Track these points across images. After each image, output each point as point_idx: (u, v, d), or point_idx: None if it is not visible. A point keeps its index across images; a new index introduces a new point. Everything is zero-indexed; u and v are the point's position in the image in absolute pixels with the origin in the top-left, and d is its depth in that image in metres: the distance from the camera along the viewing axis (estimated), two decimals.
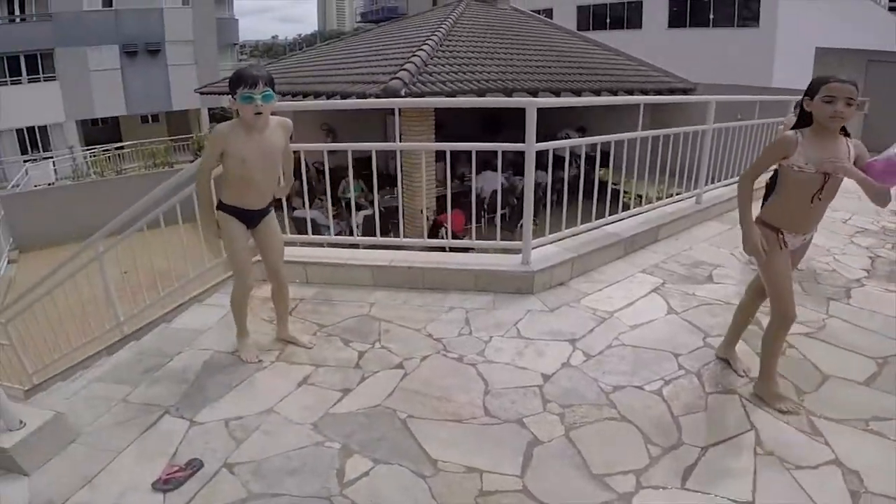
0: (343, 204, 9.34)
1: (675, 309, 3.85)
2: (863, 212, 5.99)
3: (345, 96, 9.19)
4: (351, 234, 5.11)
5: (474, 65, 10.72)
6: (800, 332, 3.49)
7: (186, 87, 23.15)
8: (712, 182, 5.65)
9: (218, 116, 27.12)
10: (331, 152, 4.19)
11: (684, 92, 13.31)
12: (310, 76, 12.42)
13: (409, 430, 2.61)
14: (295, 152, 3.77)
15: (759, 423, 2.71)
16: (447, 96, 8.77)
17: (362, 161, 5.17)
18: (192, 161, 17.64)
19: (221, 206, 3.01)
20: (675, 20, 23.16)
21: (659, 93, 12.69)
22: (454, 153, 4.23)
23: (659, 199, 5.27)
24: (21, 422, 2.36)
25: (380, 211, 6.29)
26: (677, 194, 5.55)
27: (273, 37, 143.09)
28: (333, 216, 6.38)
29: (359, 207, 8.76)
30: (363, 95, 8.70)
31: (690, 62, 17.47)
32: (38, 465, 2.36)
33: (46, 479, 2.29)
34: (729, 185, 5.94)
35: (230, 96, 2.81)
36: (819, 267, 4.56)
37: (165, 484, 2.26)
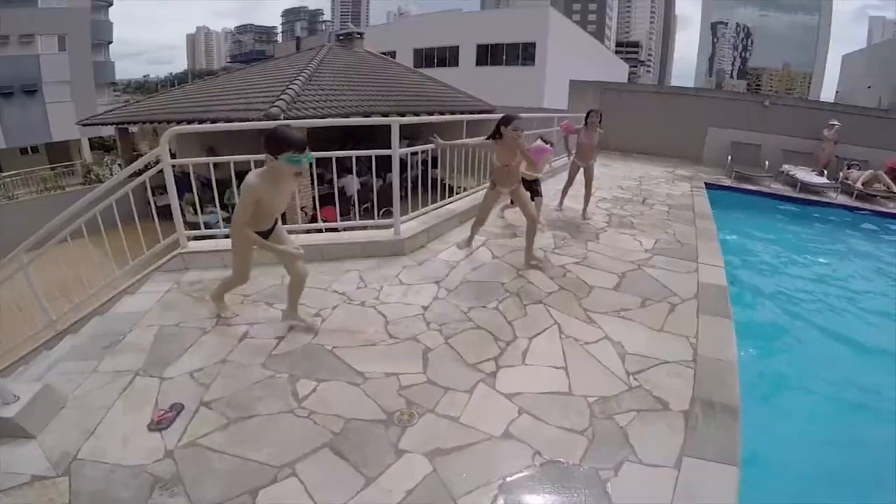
0: (230, 209, 8.64)
1: (497, 255, 4.20)
2: (602, 188, 7.05)
3: (228, 122, 8.56)
4: None
5: (338, 95, 10.43)
6: (573, 262, 4.13)
7: (66, 120, 19.81)
8: None
9: (96, 145, 23.74)
10: (216, 167, 3.82)
11: (488, 112, 14.07)
12: (193, 106, 11.26)
13: (337, 356, 2.64)
14: (183, 167, 3.57)
15: (559, 320, 3.13)
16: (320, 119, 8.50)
17: (244, 174, 4.87)
18: (81, 184, 15.45)
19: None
20: (481, 60, 24.37)
21: (472, 113, 13.34)
22: (318, 164, 4.09)
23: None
24: (15, 395, 2.14)
25: None
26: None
27: (145, 76, 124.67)
28: (225, 219, 6.01)
29: None
30: (246, 120, 8.21)
31: (492, 90, 18.55)
32: (41, 428, 2.14)
33: (52, 439, 2.10)
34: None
35: (269, 154, 2.43)
36: (579, 224, 5.28)
37: (159, 424, 2.17)
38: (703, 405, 2.41)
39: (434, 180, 5.08)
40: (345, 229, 4.35)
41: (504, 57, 23.87)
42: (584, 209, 5.55)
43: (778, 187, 9.12)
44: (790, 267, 5.86)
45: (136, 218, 3.51)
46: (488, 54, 24.27)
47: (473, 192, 5.44)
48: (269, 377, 2.49)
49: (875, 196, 8.73)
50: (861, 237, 7.32)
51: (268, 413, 2.24)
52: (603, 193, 6.82)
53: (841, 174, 9.22)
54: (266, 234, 2.70)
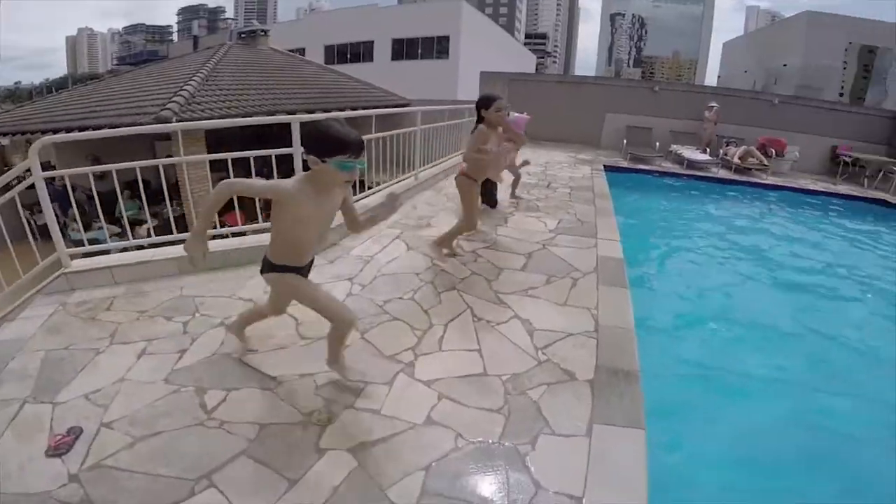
0: (124, 222, 8.00)
1: (412, 247, 4.21)
2: (510, 175, 7.27)
3: (114, 128, 7.86)
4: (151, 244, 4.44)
5: (239, 95, 9.94)
6: (483, 246, 4.26)
7: None
8: (424, 165, 6.22)
9: None
10: (101, 178, 3.46)
11: (403, 106, 14.03)
12: (74, 112, 10.17)
13: (246, 363, 2.53)
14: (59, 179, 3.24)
15: (472, 304, 3.21)
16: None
17: (135, 184, 4.54)
18: None
19: (279, 268, 2.18)
20: (396, 54, 24.24)
21: (385, 108, 13.25)
22: (218, 167, 3.95)
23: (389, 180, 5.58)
24: None
25: (174, 217, 5.69)
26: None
27: (16, 83, 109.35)
28: (118, 234, 5.60)
29: (142, 222, 7.74)
30: (134, 125, 7.58)
31: (407, 84, 18.50)
32: None
33: None
34: (435, 166, 6.59)
35: (314, 156, 1.93)
36: (489, 210, 5.40)
37: (57, 449, 1.99)
38: (606, 373, 2.57)
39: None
40: (252, 233, 4.16)
41: (419, 51, 23.98)
42: (514, 191, 5.84)
43: (668, 166, 9.97)
44: (679, 236, 6.43)
45: (8, 239, 3.17)
46: (404, 49, 24.27)
47: (387, 186, 5.42)
48: (174, 392, 2.35)
49: (750, 169, 9.80)
50: (740, 205, 8.21)
51: (176, 428, 2.13)
52: (510, 180, 7.01)
53: (721, 151, 10.26)
54: (306, 275, 2.25)
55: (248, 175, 5.14)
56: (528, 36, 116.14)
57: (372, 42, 24.74)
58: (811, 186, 9.49)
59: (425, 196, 5.92)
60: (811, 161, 11.18)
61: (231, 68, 11.67)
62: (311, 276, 3.43)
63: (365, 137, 4.33)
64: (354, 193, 4.70)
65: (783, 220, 7.63)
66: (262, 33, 15.48)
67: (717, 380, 3.39)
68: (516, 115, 5.09)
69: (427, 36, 23.67)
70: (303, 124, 2.04)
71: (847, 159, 10.65)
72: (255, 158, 3.88)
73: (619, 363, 2.66)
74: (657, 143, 10.60)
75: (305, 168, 2.03)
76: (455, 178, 3.86)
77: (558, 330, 2.95)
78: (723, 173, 9.63)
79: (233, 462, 1.96)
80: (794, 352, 3.85)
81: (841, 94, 50.87)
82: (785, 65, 51.93)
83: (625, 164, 9.72)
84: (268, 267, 2.20)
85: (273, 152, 3.93)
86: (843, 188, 9.82)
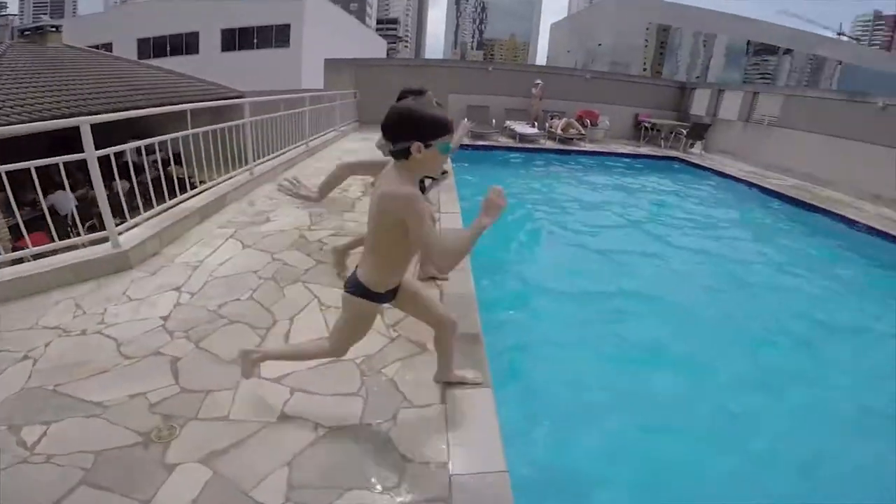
0: None
1: (248, 244, 3.98)
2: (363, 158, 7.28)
3: None
4: None
5: (24, 99, 8.39)
6: (329, 234, 4.20)
7: None
8: (260, 158, 5.85)
9: None
10: None
11: (237, 98, 12.99)
12: None
13: (63, 394, 2.22)
14: None
15: (319, 294, 3.17)
16: None
17: None
18: None
19: (373, 296, 1.86)
20: (228, 45, 22.22)
21: (209, 101, 12.14)
22: (21, 183, 3.32)
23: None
24: None
25: None
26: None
27: None
28: None
29: None
30: None
31: (244, 75, 17.28)
32: None
33: None
34: (272, 158, 6.25)
35: (417, 141, 1.61)
36: (336, 197, 5.22)
37: None
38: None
39: (181, 179, 4.52)
40: (52, 253, 3.52)
41: (255, 40, 22.32)
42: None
43: (504, 140, 10.77)
44: (514, 201, 6.93)
45: None
46: (236, 39, 22.37)
47: (214, 185, 5.00)
48: None
49: (571, 139, 11.04)
50: (564, 169, 9.21)
51: None
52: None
53: (547, 124, 11.34)
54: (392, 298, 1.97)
55: (59, 185, 4.32)
56: (379, 21, 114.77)
57: (197, 33, 22.43)
58: (621, 150, 11.12)
59: (265, 190, 5.63)
60: (620, 128, 12.94)
61: (13, 70, 9.77)
62: (135, 290, 3.17)
63: (181, 134, 3.88)
64: (181, 192, 4.31)
65: (600, 180, 8.76)
66: (52, 29, 13.15)
67: (547, 334, 3.71)
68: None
69: (264, 25, 22.14)
70: (391, 111, 1.62)
71: (647, 125, 12.53)
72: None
73: (464, 328, 2.75)
74: (493, 120, 11.35)
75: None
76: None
77: None
78: (549, 144, 10.74)
79: (72, 494, 1.75)
80: (609, 297, 4.37)
81: (645, 69, 59.01)
82: (600, 44, 58.49)
83: (466, 140, 10.24)
84: (368, 293, 1.85)
85: (61, 160, 3.25)
86: (645, 150, 11.65)
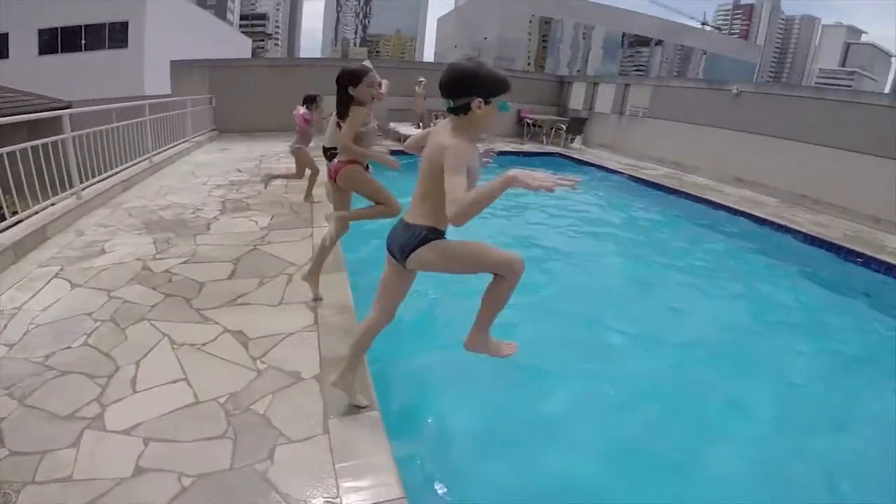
0: None
1: (79, 283, 3.64)
2: (217, 174, 6.98)
3: None
4: None
5: None
6: (179, 262, 3.98)
7: None
8: (89, 179, 5.38)
9: None
10: None
11: (61, 109, 11.68)
12: None
13: None
14: None
15: (168, 331, 2.98)
16: None
17: None
18: None
19: (440, 234, 2.01)
20: (48, 48, 19.87)
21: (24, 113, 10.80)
22: None
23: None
24: None
25: None
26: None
27: None
28: None
29: None
30: None
31: (71, 83, 15.56)
32: None
33: None
34: (104, 178, 5.77)
35: (478, 97, 1.82)
36: (187, 218, 5.10)
37: None
38: (333, 363, 2.66)
39: None
40: None
41: (84, 41, 20.25)
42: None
43: (388, 143, 10.89)
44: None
45: None
46: (59, 40, 20.13)
47: (31, 215, 4.52)
48: None
49: None
50: None
51: None
52: (217, 180, 6.79)
53: (432, 123, 11.64)
54: None
55: None
56: (244, 17, 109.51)
57: (6, 35, 19.89)
58: (505, 148, 11.74)
59: (97, 216, 5.18)
60: (503, 126, 13.70)
61: None
62: None
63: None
64: None
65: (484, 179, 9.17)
66: None
67: (439, 346, 3.70)
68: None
69: (96, 23, 20.19)
70: (452, 69, 1.88)
71: (529, 122, 13.38)
72: None
73: (343, 350, 2.76)
74: (376, 123, 11.43)
75: None
76: (336, 178, 3.34)
77: (276, 333, 3.00)
78: None
79: None
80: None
81: (529, 64, 62.85)
82: (486, 38, 61.25)
83: None
84: (431, 236, 1.99)
85: None
86: (528, 146, 12.49)
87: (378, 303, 2.28)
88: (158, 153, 7.47)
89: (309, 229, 4.69)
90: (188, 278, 3.71)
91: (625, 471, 2.76)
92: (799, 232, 7.03)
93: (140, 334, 2.99)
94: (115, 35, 20.36)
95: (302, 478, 2.00)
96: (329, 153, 3.92)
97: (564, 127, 12.79)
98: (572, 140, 12.98)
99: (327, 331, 3.04)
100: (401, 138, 10.96)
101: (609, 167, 10.77)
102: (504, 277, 2.01)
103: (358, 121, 3.17)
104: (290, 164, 8.00)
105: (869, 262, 6.13)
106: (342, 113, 3.16)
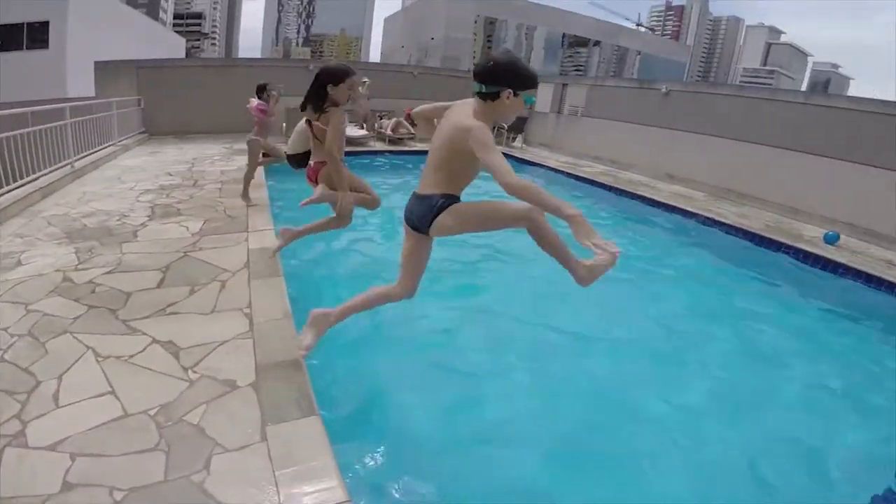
0: None
1: None
2: (146, 179, 6.71)
3: None
4: None
5: None
6: (104, 272, 3.81)
7: None
8: (4, 185, 5.08)
9: None
10: None
11: None
12: None
13: None
14: None
15: (92, 343, 2.85)
16: None
17: None
18: None
19: (455, 199, 2.24)
20: None
21: None
22: None
23: None
24: None
25: None
26: None
27: None
28: None
29: None
30: None
31: None
32: None
33: None
34: (19, 186, 5.44)
35: (508, 88, 2.04)
36: (112, 226, 4.87)
37: None
38: (269, 370, 2.66)
39: None
40: None
41: None
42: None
43: None
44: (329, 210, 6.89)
45: None
46: None
47: None
48: None
49: (402, 139, 11.49)
50: (393, 172, 9.50)
51: None
52: (146, 184, 6.54)
53: (376, 125, 11.63)
54: None
55: None
56: (179, 17, 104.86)
57: None
58: None
59: (12, 226, 4.90)
60: None
61: None
62: None
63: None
64: None
65: None
66: None
67: (381, 348, 3.80)
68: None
69: (12, 23, 18.82)
70: (489, 59, 2.10)
71: None
72: None
73: (280, 356, 2.80)
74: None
75: None
76: (317, 178, 3.31)
77: (209, 341, 2.93)
78: (379, 145, 11.03)
79: None
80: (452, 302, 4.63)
81: (475, 64, 63.40)
82: (432, 38, 61.40)
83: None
84: (448, 202, 2.19)
85: None
86: None
87: (402, 277, 2.48)
88: (81, 158, 7.09)
89: (244, 234, 4.59)
90: (113, 289, 3.56)
91: (568, 468, 2.85)
92: (724, 224, 7.49)
93: (62, 348, 2.86)
94: (35, 35, 19.07)
95: (241, 486, 1.98)
96: (295, 160, 3.85)
97: (506, 126, 13.03)
98: (514, 139, 13.28)
99: (263, 337, 3.00)
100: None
101: (549, 165, 11.08)
102: (532, 229, 2.14)
103: (341, 127, 3.11)
104: (224, 166, 7.86)
105: (788, 251, 6.61)
106: (318, 107, 3.10)
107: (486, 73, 2.05)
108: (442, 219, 2.18)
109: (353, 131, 11.12)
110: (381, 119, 11.98)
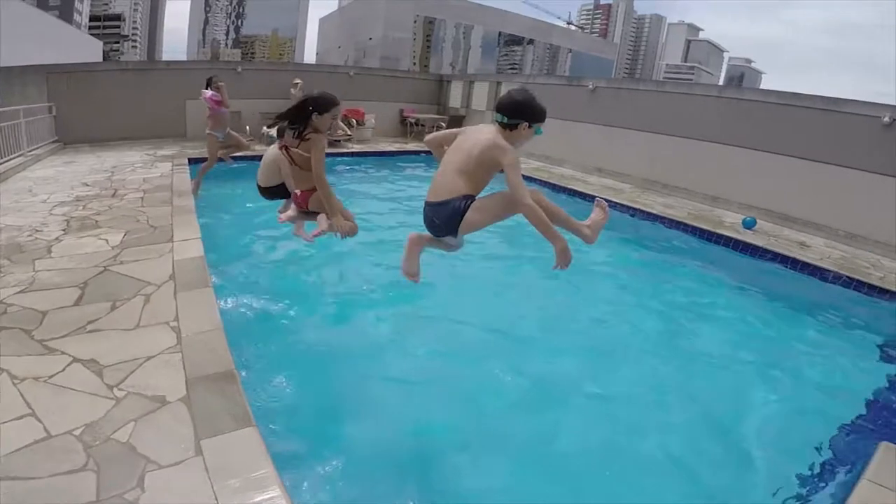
0: None
1: None
2: (61, 190, 6.35)
3: None
4: None
5: None
6: (16, 292, 3.61)
7: None
8: None
9: None
10: None
11: None
12: None
13: None
14: None
15: (7, 366, 2.74)
16: None
17: None
18: None
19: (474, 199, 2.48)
20: None
21: None
22: None
23: None
24: None
25: None
26: None
27: None
28: None
29: None
30: None
31: None
32: None
33: None
34: None
35: (525, 121, 2.43)
36: (23, 241, 4.60)
37: None
38: (200, 383, 2.62)
39: None
40: None
41: None
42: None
43: (262, 148, 10.48)
44: (262, 216, 6.68)
45: None
46: None
47: None
48: None
49: (339, 140, 11.41)
50: (332, 175, 9.33)
51: None
52: (60, 196, 6.18)
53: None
54: None
55: None
56: (96, 19, 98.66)
57: None
58: (389, 148, 11.98)
59: None
60: (386, 125, 13.86)
61: None
62: None
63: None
64: None
65: (365, 181, 9.25)
66: None
67: (317, 357, 3.78)
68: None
69: None
70: (513, 96, 2.48)
71: (412, 121, 13.66)
72: None
73: (212, 368, 2.76)
74: (248, 127, 10.99)
75: None
76: (308, 205, 3.32)
77: (134, 358, 2.85)
78: None
79: None
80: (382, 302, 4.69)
81: (414, 63, 63.64)
82: (370, 38, 60.91)
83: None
84: (470, 202, 2.45)
85: None
86: (412, 145, 12.72)
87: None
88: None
89: (168, 244, 4.44)
90: (27, 308, 3.38)
91: (509, 473, 2.92)
92: (651, 213, 7.92)
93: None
94: None
95: (179, 502, 1.97)
96: (269, 192, 3.78)
97: (444, 125, 13.21)
98: None
99: (192, 350, 2.94)
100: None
101: None
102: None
103: (323, 153, 3.17)
104: (146, 174, 7.54)
105: (710, 237, 7.11)
106: (299, 134, 3.15)
107: (510, 108, 2.43)
108: (470, 216, 2.44)
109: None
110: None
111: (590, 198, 8.62)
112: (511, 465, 2.95)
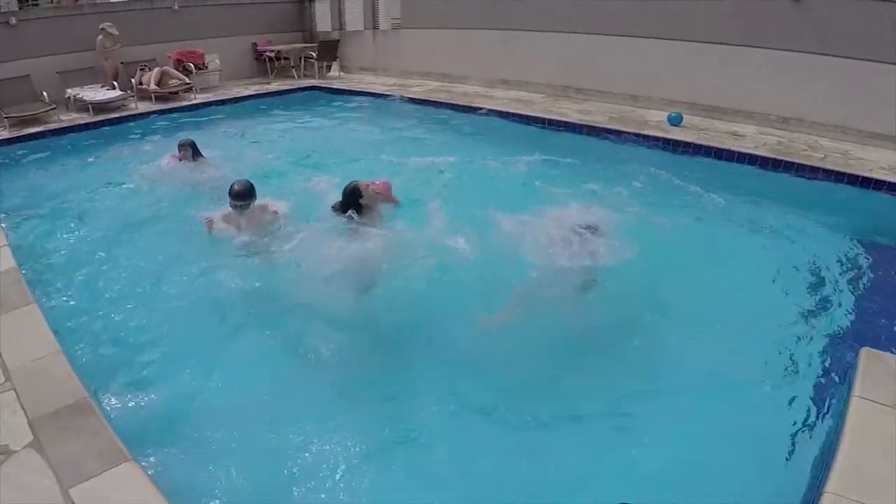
0: None
1: None
2: None
3: None
4: None
5: None
6: None
7: None
8: None
9: None
10: None
11: None
12: None
13: None
14: None
15: None
16: None
17: None
18: None
19: None
20: None
21: None
22: None
23: None
24: None
25: None
26: None
27: None
28: None
29: None
30: None
31: None
32: None
33: None
34: None
35: None
36: None
37: None
38: (47, 421, 2.57)
39: None
40: None
41: None
42: None
43: (73, 117, 9.61)
44: (98, 205, 6.18)
45: None
46: None
47: None
48: None
49: (176, 93, 10.68)
50: (166, 137, 8.58)
51: None
52: None
53: (133, 81, 10.57)
54: None
55: None
56: None
57: None
58: (245, 92, 11.44)
59: None
60: (237, 65, 13.07)
61: None
62: None
63: None
64: None
65: (221, 136, 8.72)
66: None
67: (185, 377, 3.55)
68: None
69: None
70: None
71: (271, 55, 12.95)
72: None
73: (59, 401, 2.67)
74: (45, 93, 9.93)
75: None
76: None
77: None
78: (144, 106, 10.12)
79: None
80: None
81: None
82: None
83: (7, 134, 8.77)
84: None
85: None
86: (276, 85, 12.26)
87: None
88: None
89: None
90: None
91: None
92: (568, 123, 8.23)
93: None
94: None
95: None
96: None
97: (315, 55, 12.74)
98: (329, 68, 13.05)
99: (28, 384, 2.83)
100: (88, 107, 9.67)
101: (375, 91, 11.26)
102: None
103: None
104: None
105: (637, 138, 7.57)
106: None
107: None
108: None
109: (99, 94, 9.97)
110: (141, 72, 10.88)
111: (508, 115, 8.78)
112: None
